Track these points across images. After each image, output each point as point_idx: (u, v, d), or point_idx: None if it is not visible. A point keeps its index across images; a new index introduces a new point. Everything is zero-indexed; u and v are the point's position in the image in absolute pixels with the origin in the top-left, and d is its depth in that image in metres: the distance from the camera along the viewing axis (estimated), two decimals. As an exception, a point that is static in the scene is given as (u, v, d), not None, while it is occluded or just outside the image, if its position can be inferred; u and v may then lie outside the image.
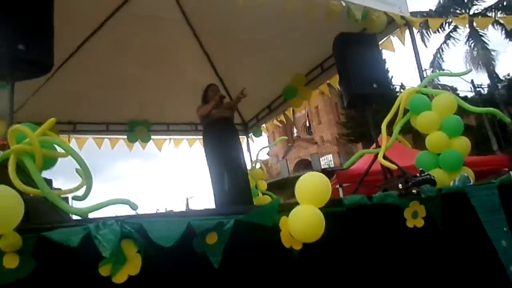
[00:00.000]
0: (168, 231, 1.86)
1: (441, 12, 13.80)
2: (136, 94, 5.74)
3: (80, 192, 2.56)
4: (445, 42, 15.53)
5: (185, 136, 6.47)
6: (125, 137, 5.86)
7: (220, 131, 4.01)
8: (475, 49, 13.52)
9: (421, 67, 3.62)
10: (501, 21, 4.86)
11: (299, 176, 2.28)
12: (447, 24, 13.30)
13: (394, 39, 3.99)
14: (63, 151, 2.53)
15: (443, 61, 15.40)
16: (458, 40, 15.05)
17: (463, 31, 14.58)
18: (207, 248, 1.95)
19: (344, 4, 3.39)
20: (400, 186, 2.84)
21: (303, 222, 2.12)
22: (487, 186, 3.15)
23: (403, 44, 3.81)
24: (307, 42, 4.72)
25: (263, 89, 5.57)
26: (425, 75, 3.83)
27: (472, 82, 13.97)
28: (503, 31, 14.30)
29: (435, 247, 2.70)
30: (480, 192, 3.06)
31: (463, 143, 3.35)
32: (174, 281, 1.93)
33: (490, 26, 14.53)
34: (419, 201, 2.67)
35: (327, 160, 22.15)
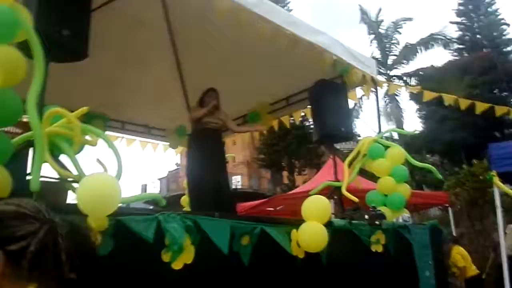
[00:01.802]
0: (217, 229, 2.18)
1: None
2: (99, 88, 5.69)
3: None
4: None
5: (138, 137, 6.50)
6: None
7: (208, 141, 4.18)
8: (389, 105, 15.58)
9: (380, 119, 4.36)
10: (410, 89, 6.11)
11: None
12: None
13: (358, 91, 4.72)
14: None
15: (361, 110, 17.38)
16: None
17: (381, 89, 16.76)
18: (241, 248, 2.31)
19: (334, 57, 3.99)
20: (366, 217, 3.44)
21: (311, 235, 2.59)
22: (421, 227, 3.95)
23: (368, 98, 4.56)
24: (278, 74, 5.21)
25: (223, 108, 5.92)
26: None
27: (378, 129, 16.10)
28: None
29: (388, 267, 3.33)
30: (416, 230, 3.83)
31: (406, 189, 4.12)
32: (212, 272, 2.23)
33: (403, 88, 16.89)
34: (381, 231, 3.31)
35: (236, 181, 22.86)
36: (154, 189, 27.54)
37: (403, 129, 17.04)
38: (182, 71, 6.04)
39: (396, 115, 15.87)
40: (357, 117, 17.20)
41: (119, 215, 1.90)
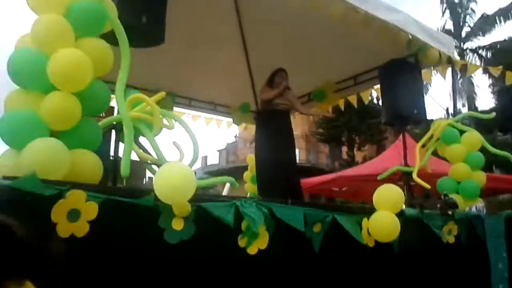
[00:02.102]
0: (292, 216, 2.23)
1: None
2: (169, 67, 5.87)
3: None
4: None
5: (203, 113, 6.69)
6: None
7: (278, 122, 4.19)
8: (461, 81, 14.62)
9: (456, 102, 4.11)
10: (491, 71, 5.55)
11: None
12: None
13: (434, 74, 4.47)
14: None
15: (430, 86, 16.39)
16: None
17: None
18: (313, 235, 2.35)
19: (410, 36, 3.80)
20: (438, 206, 3.33)
21: (382, 224, 2.56)
22: (496, 217, 3.75)
23: (444, 78, 4.31)
24: (347, 53, 5.06)
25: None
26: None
27: (447, 110, 15.15)
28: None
29: (459, 258, 3.23)
30: (491, 220, 3.65)
31: (481, 176, 3.91)
32: (284, 257, 2.29)
33: (477, 62, 15.74)
34: (454, 221, 3.19)
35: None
36: (214, 160, 28.39)
37: (475, 105, 15.98)
38: (248, 49, 6.06)
39: (468, 91, 14.88)
40: (426, 94, 16.35)
41: (200, 201, 1.99)
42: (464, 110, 19.92)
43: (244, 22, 5.69)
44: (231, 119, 6.95)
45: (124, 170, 1.99)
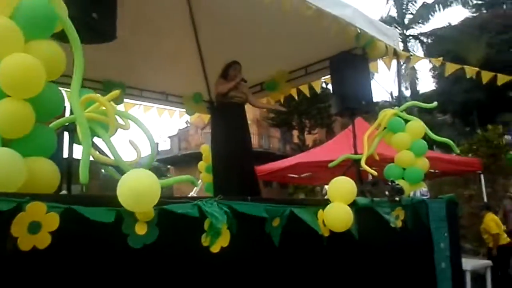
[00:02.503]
0: (254, 210, 2.30)
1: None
2: (115, 56, 5.69)
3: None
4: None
5: (155, 104, 6.57)
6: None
7: (234, 116, 4.24)
8: (404, 67, 15.36)
9: (400, 92, 4.35)
10: (432, 61, 6.01)
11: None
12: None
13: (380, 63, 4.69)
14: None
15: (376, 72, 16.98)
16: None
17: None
18: (272, 229, 2.44)
19: (359, 30, 3.95)
20: (386, 193, 3.54)
21: (337, 215, 2.70)
22: (438, 201, 4.06)
23: (389, 69, 4.53)
24: (298, 43, 5.16)
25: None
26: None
27: (391, 93, 15.87)
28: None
29: (406, 241, 3.47)
30: (434, 204, 3.94)
31: (424, 163, 4.19)
32: (246, 253, 2.37)
33: (419, 48, 16.56)
34: (401, 207, 3.42)
35: (247, 139, 22.95)
36: (165, 146, 27.92)
37: (417, 89, 16.92)
38: (200, 39, 6.00)
39: (410, 75, 15.65)
40: (372, 78, 17.02)
41: (163, 204, 2.00)
42: (407, 93, 21.03)
43: (195, 11, 5.65)
44: (183, 109, 6.89)
45: (83, 176, 1.96)
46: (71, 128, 2.63)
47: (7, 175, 1.67)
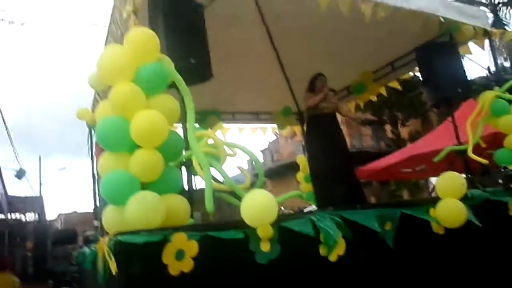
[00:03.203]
0: (365, 219, 2.40)
1: (464, 1, 14.10)
2: (208, 86, 6.14)
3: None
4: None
5: (248, 124, 6.94)
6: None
7: (327, 125, 4.38)
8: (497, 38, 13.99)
9: (499, 73, 4.10)
10: None
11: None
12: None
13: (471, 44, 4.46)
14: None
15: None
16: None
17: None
18: (386, 233, 2.51)
19: (442, 19, 3.84)
20: (500, 181, 3.38)
21: (450, 211, 2.67)
22: None
23: (483, 49, 4.29)
24: (379, 41, 5.10)
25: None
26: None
27: (488, 68, 14.62)
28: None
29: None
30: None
31: (539, 143, 3.88)
32: (362, 258, 2.46)
33: None
34: (520, 195, 3.23)
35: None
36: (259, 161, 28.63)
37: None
38: (281, 55, 6.24)
39: (507, 46, 14.28)
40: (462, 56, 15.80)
41: (279, 221, 2.20)
42: (507, 64, 19.09)
43: (273, 32, 5.89)
44: (274, 125, 7.16)
45: (209, 205, 2.24)
46: (187, 163, 2.97)
47: (152, 213, 2.00)
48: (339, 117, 5.75)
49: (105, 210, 2.22)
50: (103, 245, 1.96)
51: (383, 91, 5.83)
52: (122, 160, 2.16)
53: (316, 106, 4.44)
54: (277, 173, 23.29)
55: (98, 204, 4.94)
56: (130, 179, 2.09)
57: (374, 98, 5.92)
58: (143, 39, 2.26)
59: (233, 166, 3.71)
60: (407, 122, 21.17)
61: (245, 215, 2.09)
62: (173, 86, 2.52)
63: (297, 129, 7.21)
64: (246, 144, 3.10)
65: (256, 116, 6.90)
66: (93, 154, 4.88)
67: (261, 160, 29.10)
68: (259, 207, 2.08)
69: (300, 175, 6.75)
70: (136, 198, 1.99)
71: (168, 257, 1.88)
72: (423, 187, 16.29)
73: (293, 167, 6.96)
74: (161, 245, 1.88)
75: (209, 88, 6.05)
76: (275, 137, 28.70)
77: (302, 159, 6.55)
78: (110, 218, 2.15)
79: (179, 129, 3.40)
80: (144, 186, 2.17)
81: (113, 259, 1.85)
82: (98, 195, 4.77)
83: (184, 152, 2.99)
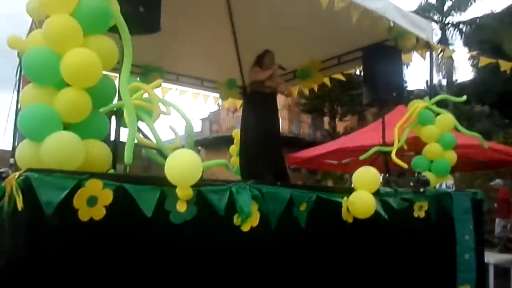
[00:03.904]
0: (278, 198, 2.50)
1: (419, 14, 14.81)
2: (154, 42, 5.92)
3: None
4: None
5: (190, 89, 6.83)
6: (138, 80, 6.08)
7: (266, 103, 4.42)
8: (441, 56, 14.97)
9: (433, 85, 4.40)
10: (467, 54, 6.18)
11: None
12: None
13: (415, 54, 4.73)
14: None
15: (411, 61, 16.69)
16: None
17: (435, 38, 15.91)
18: (299, 213, 2.63)
19: (392, 24, 4.01)
20: (411, 184, 3.66)
21: (360, 202, 2.86)
22: (463, 193, 4.12)
23: (424, 59, 4.57)
24: (331, 33, 5.22)
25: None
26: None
27: (427, 82, 15.57)
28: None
29: (428, 231, 3.59)
30: (459, 197, 4.00)
31: (452, 156, 4.25)
32: (275, 232, 2.57)
33: (458, 36, 16.15)
34: (425, 198, 3.53)
35: (278, 124, 23.02)
36: (196, 128, 28.41)
37: (453, 80, 16.52)
38: (236, 27, 6.17)
39: (447, 65, 15.30)
40: (406, 66, 16.76)
41: (198, 185, 2.23)
42: (444, 82, 20.52)
43: (232, 1, 5.79)
44: (217, 94, 7.12)
45: (128, 158, 2.21)
46: (119, 113, 2.88)
47: (69, 155, 1.94)
48: (283, 99, 5.89)
49: (20, 144, 2.10)
50: (12, 180, 1.86)
51: (327, 81, 6.00)
52: (47, 95, 2.05)
53: (261, 82, 4.46)
54: (213, 144, 23.27)
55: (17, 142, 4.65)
56: (52, 116, 1.99)
57: (315, 87, 6.08)
58: (90, -27, 2.12)
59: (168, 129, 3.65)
60: (345, 117, 22.12)
61: (169, 173, 2.08)
62: (115, 31, 2.41)
63: (239, 103, 7.22)
64: (186, 110, 3.07)
65: (200, 82, 6.80)
66: (20, 88, 4.56)
67: (199, 128, 28.93)
68: (183, 166, 2.09)
69: (233, 149, 6.81)
70: (55, 136, 1.91)
71: (79, 202, 1.83)
72: (347, 181, 17.17)
73: (229, 141, 6.99)
74: (74, 189, 1.82)
75: (155, 44, 5.91)
76: (217, 108, 28.73)
77: (237, 134, 6.60)
78: (24, 154, 2.04)
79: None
80: (66, 128, 2.08)
81: (20, 195, 1.77)
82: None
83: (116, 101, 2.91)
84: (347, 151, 6.64)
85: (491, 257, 5.30)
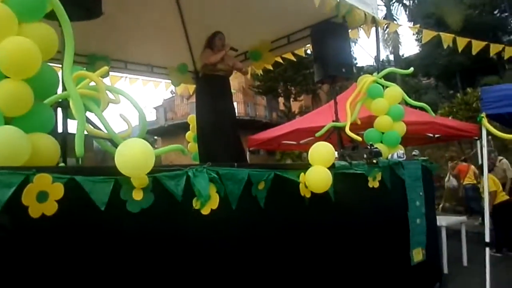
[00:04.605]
0: (235, 179, 2.51)
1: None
2: (99, 29, 5.70)
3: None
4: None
5: (140, 76, 6.64)
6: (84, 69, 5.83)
7: (218, 86, 4.37)
8: (387, 32, 15.45)
9: (380, 60, 4.53)
10: (410, 28, 6.53)
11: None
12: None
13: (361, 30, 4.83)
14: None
15: (359, 37, 17.11)
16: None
17: (380, 14, 16.28)
18: (258, 192, 2.66)
19: (338, 0, 4.06)
20: (365, 156, 3.78)
21: (317, 177, 2.93)
22: (414, 162, 4.32)
23: (368, 37, 4.68)
24: (279, 12, 5.22)
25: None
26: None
27: (375, 58, 16.08)
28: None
29: (383, 199, 3.75)
30: (410, 165, 4.20)
31: (402, 127, 4.43)
32: (236, 213, 2.58)
33: (402, 11, 16.63)
34: (378, 169, 3.67)
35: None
36: (151, 117, 27.81)
37: (399, 54, 17.12)
38: (183, 10, 6.03)
39: (393, 40, 15.82)
40: (355, 43, 17.16)
41: (154, 172, 2.19)
42: (391, 57, 21.23)
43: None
44: (169, 80, 6.98)
45: (79, 149, 2.13)
46: (64, 104, 2.76)
47: (14, 150, 1.83)
48: (237, 83, 5.85)
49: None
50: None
51: (279, 60, 6.03)
52: (-18, 89, 1.92)
53: (213, 65, 4.40)
54: (169, 132, 22.89)
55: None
56: (-10, 111, 1.88)
57: (269, 67, 6.10)
58: (21, -45, 1.99)
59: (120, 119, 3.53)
60: (299, 97, 22.39)
61: (119, 163, 2.02)
62: (54, 18, 2.29)
63: (192, 88, 7.12)
64: (138, 98, 2.97)
65: (150, 68, 6.64)
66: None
67: (154, 117, 28.31)
68: (134, 156, 2.02)
69: (189, 134, 6.73)
70: (-5, 132, 1.80)
71: (28, 198, 1.75)
72: (305, 159, 17.52)
73: (186, 128, 6.89)
74: (22, 185, 1.74)
75: (100, 31, 5.69)
76: (170, 95, 28.16)
77: (192, 119, 6.51)
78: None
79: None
80: (8, 122, 1.97)
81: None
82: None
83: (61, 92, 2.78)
84: (305, 131, 6.73)
85: (443, 221, 5.62)
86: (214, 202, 2.42)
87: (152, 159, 2.07)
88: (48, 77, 2.13)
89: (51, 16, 2.26)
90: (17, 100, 1.94)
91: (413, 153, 4.24)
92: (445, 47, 5.02)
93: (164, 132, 23.84)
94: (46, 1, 2.10)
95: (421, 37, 5.19)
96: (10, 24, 1.93)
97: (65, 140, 2.86)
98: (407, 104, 4.53)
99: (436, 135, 6.61)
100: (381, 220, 3.75)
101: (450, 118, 10.05)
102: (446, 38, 4.82)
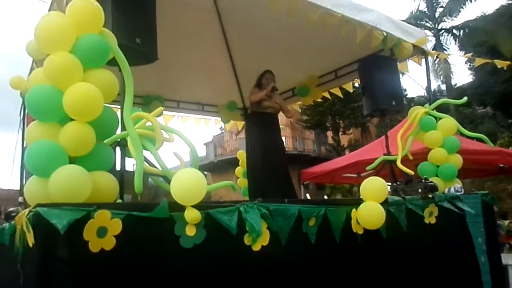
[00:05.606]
0: (286, 215, 2.50)
1: (411, 23, 14.94)
2: (154, 71, 6.03)
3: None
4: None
5: (192, 114, 6.90)
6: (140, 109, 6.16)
7: (267, 122, 4.47)
8: (437, 61, 15.09)
9: (431, 91, 4.42)
10: (462, 57, 6.41)
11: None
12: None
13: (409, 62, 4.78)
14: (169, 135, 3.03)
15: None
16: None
17: (429, 44, 16.01)
18: (309, 228, 2.63)
19: (385, 34, 4.07)
20: (419, 190, 3.64)
21: (369, 213, 2.85)
22: (473, 196, 4.09)
23: (420, 65, 4.61)
24: (325, 48, 5.30)
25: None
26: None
27: (426, 89, 15.67)
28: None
29: (441, 236, 3.55)
30: (468, 200, 3.98)
31: (458, 159, 4.24)
32: (286, 249, 2.56)
33: (452, 41, 16.28)
34: (434, 204, 3.51)
35: (282, 142, 23.05)
36: (201, 153, 28.50)
37: (451, 83, 16.56)
38: (232, 50, 6.27)
39: (444, 70, 15.40)
40: (403, 74, 16.85)
41: (208, 208, 2.24)
42: (443, 87, 20.59)
43: (226, 25, 5.91)
44: (219, 118, 7.18)
45: (138, 187, 2.23)
46: (122, 143, 2.92)
47: (77, 188, 1.96)
48: (285, 118, 5.93)
49: (28, 181, 2.13)
50: (22, 217, 1.88)
51: (326, 95, 6.05)
52: (51, 130, 2.09)
53: (259, 103, 4.50)
54: (219, 168, 23.28)
55: (25, 180, 4.69)
56: (57, 151, 2.03)
57: (316, 101, 6.12)
58: (87, 9, 2.19)
59: (173, 156, 3.68)
60: (348, 131, 22.13)
61: (174, 191, 2.11)
62: (115, 64, 2.47)
63: (240, 124, 7.27)
64: (189, 136, 3.09)
65: (201, 107, 6.87)
66: (25, 126, 4.63)
67: (203, 153, 29.01)
68: (188, 183, 2.11)
69: (239, 170, 6.81)
70: (61, 171, 1.94)
71: (89, 233, 1.84)
72: (356, 193, 17.06)
73: (235, 163, 7.01)
74: (83, 221, 1.84)
75: (154, 73, 6.01)
76: (220, 132, 28.84)
77: (242, 155, 6.62)
78: (32, 190, 2.07)
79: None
80: (73, 161, 2.11)
81: (31, 231, 1.79)
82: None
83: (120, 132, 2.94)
84: (364, 164, 6.64)
85: (509, 259, 5.21)
86: (265, 238, 2.42)
87: (204, 185, 2.14)
88: (109, 119, 2.28)
89: (111, 62, 2.45)
90: (81, 141, 2.08)
91: (455, 186, 4.00)
92: (498, 68, 4.81)
93: (213, 167, 24.27)
94: (108, 50, 2.28)
95: (473, 65, 5.03)
96: (76, 72, 2.11)
97: (123, 178, 3.00)
98: (462, 135, 4.35)
99: (506, 166, 6.25)
100: (440, 258, 3.54)
101: (511, 149, 9.51)
102: (500, 63, 4.64)
